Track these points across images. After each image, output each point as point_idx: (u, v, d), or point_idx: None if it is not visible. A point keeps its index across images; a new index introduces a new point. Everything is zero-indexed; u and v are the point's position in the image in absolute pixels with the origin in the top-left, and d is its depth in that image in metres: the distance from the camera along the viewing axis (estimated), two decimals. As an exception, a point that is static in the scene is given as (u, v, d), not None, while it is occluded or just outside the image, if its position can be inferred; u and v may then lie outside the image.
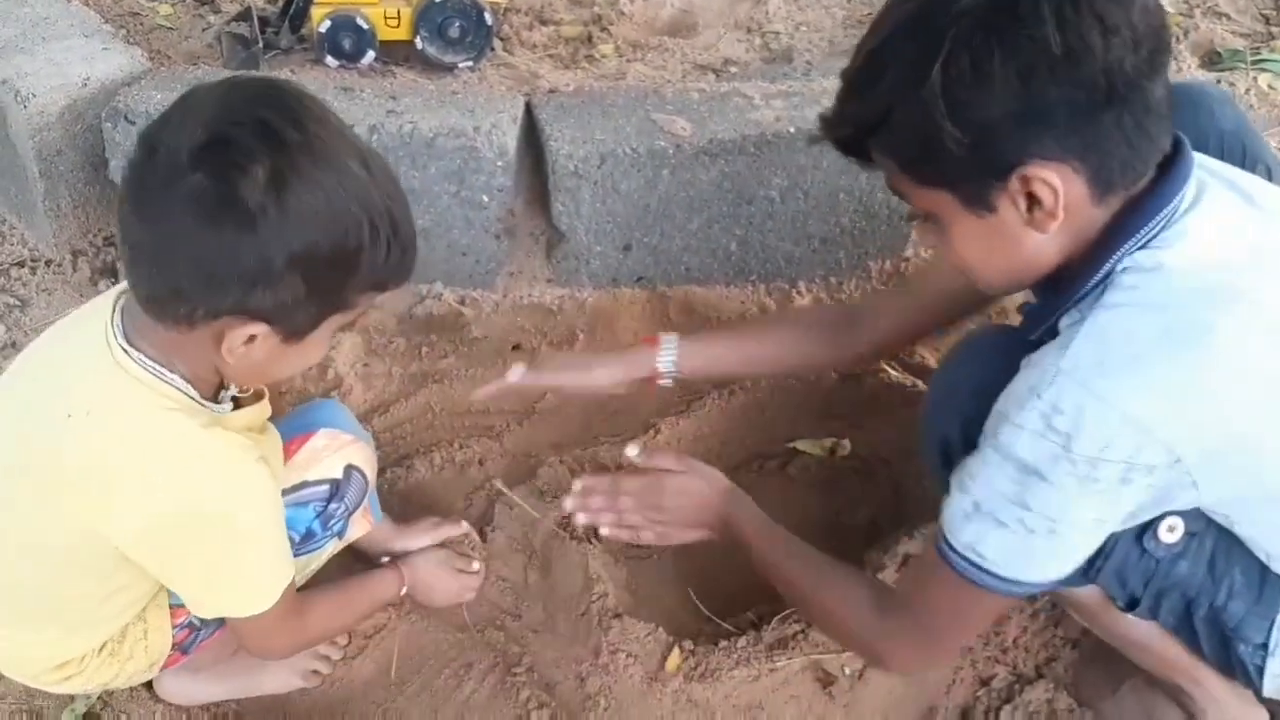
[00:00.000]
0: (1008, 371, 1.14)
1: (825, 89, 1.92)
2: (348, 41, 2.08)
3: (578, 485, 1.52)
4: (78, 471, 1.12)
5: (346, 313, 1.16)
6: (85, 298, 1.93)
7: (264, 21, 2.15)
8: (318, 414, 1.48)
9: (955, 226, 1.13)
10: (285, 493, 1.29)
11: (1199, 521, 1.21)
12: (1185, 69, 2.43)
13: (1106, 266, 1.09)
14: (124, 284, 1.14)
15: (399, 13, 2.10)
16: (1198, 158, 1.15)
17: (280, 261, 1.03)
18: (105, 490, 1.12)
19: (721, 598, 1.63)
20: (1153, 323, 1.07)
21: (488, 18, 2.11)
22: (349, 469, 1.42)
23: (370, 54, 2.10)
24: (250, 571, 1.21)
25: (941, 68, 1.02)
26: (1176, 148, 1.11)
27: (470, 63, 2.14)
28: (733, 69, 2.15)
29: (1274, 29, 2.66)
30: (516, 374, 1.55)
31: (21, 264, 1.99)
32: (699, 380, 1.77)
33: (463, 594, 1.58)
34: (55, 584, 1.22)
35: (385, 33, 2.11)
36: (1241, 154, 1.36)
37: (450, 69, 2.13)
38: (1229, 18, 2.70)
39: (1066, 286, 1.13)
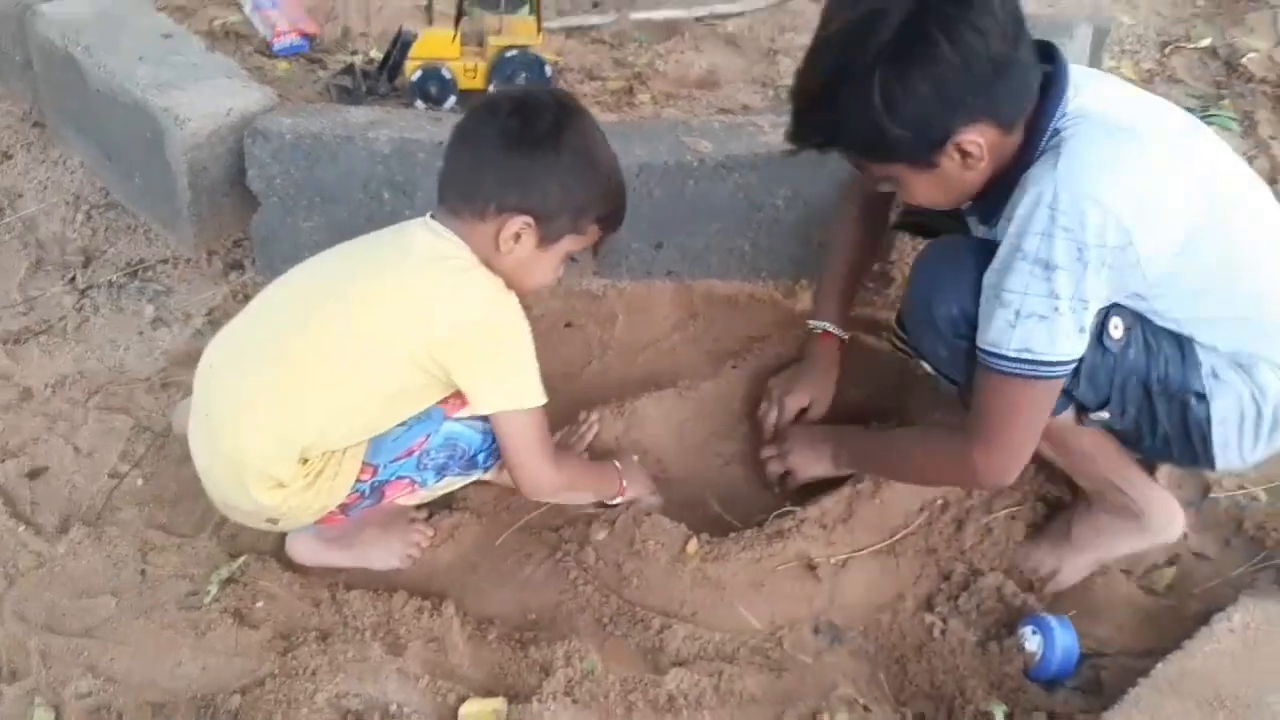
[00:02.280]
0: (978, 264, 1.58)
1: (822, 120, 2.35)
2: (434, 88, 2.54)
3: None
4: (414, 289, 1.63)
5: (577, 238, 1.69)
6: (218, 286, 2.38)
7: (365, 74, 2.63)
8: None
9: (910, 183, 1.59)
10: (473, 418, 1.72)
11: (1129, 316, 1.62)
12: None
13: (1048, 134, 1.53)
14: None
15: (476, 66, 2.56)
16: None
17: (553, 177, 1.62)
18: (430, 303, 1.62)
19: (733, 507, 2.01)
20: (1103, 143, 1.50)
21: (548, 70, 2.57)
22: None
23: (452, 99, 2.55)
24: (518, 370, 1.68)
25: (880, 89, 1.45)
26: (1051, 56, 1.56)
27: (532, 108, 2.60)
28: (749, 112, 2.59)
29: (1223, 92, 3.10)
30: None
31: (166, 261, 2.44)
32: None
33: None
34: (355, 378, 1.63)
35: (464, 82, 2.56)
36: None
37: (516, 112, 2.59)
38: (1186, 83, 3.14)
39: (1009, 174, 1.55)
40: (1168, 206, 1.52)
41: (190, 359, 2.01)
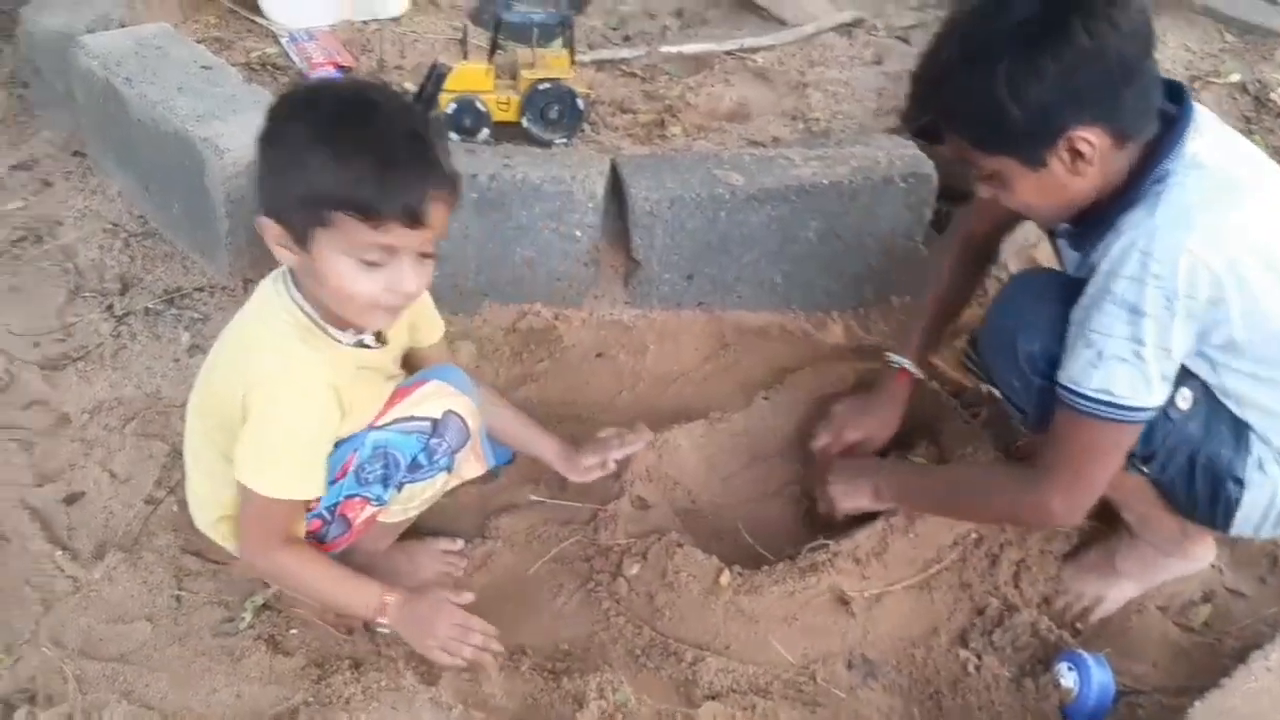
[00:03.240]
0: (1065, 303, 1.59)
1: (853, 153, 2.36)
2: (468, 120, 2.56)
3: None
4: (224, 371, 1.65)
5: (332, 233, 1.43)
6: (253, 315, 2.39)
7: (399, 106, 2.66)
8: (437, 371, 1.80)
9: (1016, 181, 1.58)
10: (395, 422, 1.67)
11: (1199, 389, 1.61)
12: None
13: (1157, 172, 1.52)
14: None
15: (509, 99, 2.58)
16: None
17: (272, 172, 1.47)
18: (227, 358, 1.66)
19: (764, 539, 2.01)
20: (1206, 195, 1.50)
21: (580, 103, 2.59)
22: (448, 413, 1.71)
23: (485, 131, 2.57)
24: (264, 448, 1.57)
25: (1009, 66, 1.45)
26: (1179, 94, 1.57)
27: (565, 140, 2.61)
28: (779, 144, 2.60)
29: (1252, 127, 3.09)
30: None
31: (202, 289, 2.47)
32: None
33: (442, 654, 1.69)
34: (218, 453, 1.66)
35: (498, 115, 2.59)
36: None
37: (549, 145, 2.60)
38: (1217, 120, 3.14)
39: (1111, 205, 1.55)
40: (1263, 266, 1.51)
41: (227, 386, 2.02)
